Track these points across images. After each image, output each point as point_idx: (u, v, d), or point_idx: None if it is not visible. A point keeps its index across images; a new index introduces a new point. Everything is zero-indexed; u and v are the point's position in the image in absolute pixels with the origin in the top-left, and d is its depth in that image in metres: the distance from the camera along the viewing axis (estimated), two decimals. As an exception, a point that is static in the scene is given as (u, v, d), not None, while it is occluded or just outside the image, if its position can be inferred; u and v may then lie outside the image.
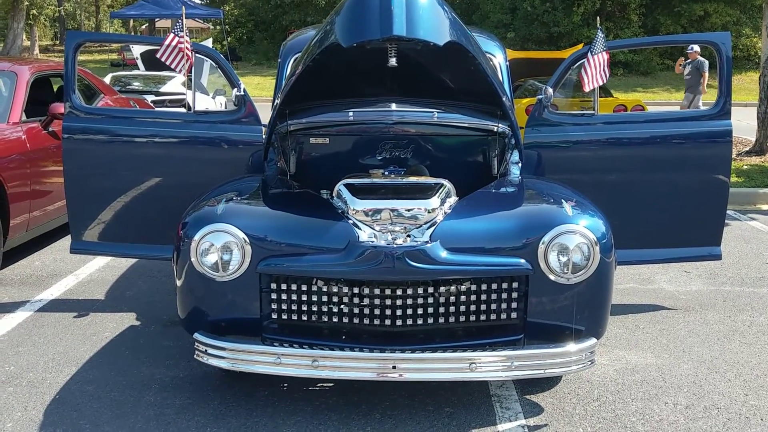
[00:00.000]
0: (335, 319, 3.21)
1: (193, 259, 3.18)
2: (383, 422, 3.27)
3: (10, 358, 3.97)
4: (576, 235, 3.13)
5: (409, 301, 3.16)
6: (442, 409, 3.38)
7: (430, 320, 3.19)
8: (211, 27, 40.59)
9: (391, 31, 3.11)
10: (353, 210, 3.23)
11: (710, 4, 28.40)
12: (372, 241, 3.10)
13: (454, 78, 3.87)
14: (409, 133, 4.16)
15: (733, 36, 25.32)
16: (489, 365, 3.07)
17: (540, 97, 4.38)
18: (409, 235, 3.14)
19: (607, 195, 4.17)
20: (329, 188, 3.55)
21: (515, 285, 3.18)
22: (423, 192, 3.34)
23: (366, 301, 3.17)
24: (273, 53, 30.79)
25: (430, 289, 3.17)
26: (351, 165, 4.07)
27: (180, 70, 4.75)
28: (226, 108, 11.63)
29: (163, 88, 12.00)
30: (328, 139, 4.19)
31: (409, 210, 3.20)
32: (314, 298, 3.20)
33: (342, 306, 3.19)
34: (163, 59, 4.75)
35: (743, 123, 13.10)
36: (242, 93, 4.39)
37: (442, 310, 3.19)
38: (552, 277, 3.14)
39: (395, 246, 3.05)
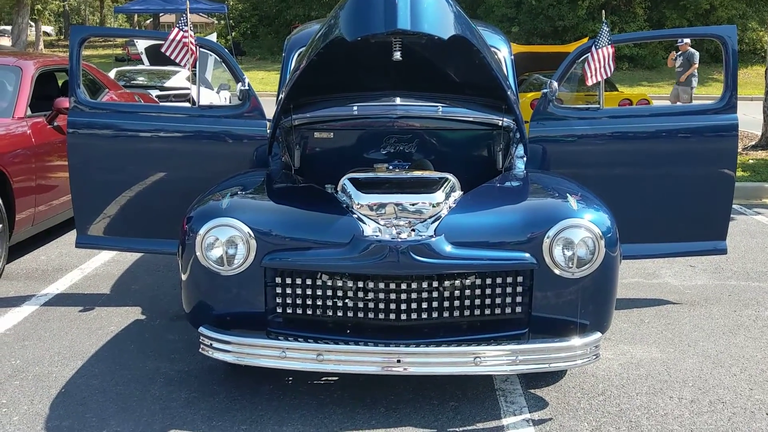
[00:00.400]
0: (340, 314, 3.21)
1: (198, 254, 3.18)
2: (388, 416, 3.28)
3: (16, 351, 3.98)
4: (581, 230, 3.12)
5: (414, 296, 3.16)
6: (447, 403, 3.39)
7: (435, 314, 3.19)
8: (216, 22, 40.60)
9: (396, 25, 3.10)
10: (358, 204, 3.23)
11: (716, -3, 28.29)
12: (376, 236, 3.10)
13: (459, 72, 3.86)
14: (414, 127, 4.15)
15: (739, 30, 25.23)
16: (493, 359, 3.08)
17: (545, 91, 4.36)
18: (413, 230, 3.13)
19: (612, 189, 4.16)
20: (334, 183, 3.55)
21: (520, 279, 3.18)
22: (427, 186, 3.33)
23: (371, 295, 3.18)
24: (277, 48, 30.76)
25: (435, 284, 3.17)
26: (355, 159, 4.07)
27: (185, 65, 4.75)
28: (230, 103, 11.64)
29: (168, 83, 12.01)
30: (332, 134, 4.19)
31: (413, 204, 3.19)
32: (319, 292, 3.20)
33: (346, 300, 3.20)
34: (167, 54, 4.75)
35: (749, 117, 13.03)
36: (247, 87, 4.39)
37: (446, 304, 3.19)
38: (557, 271, 3.13)
39: (400, 240, 3.05)
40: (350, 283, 3.17)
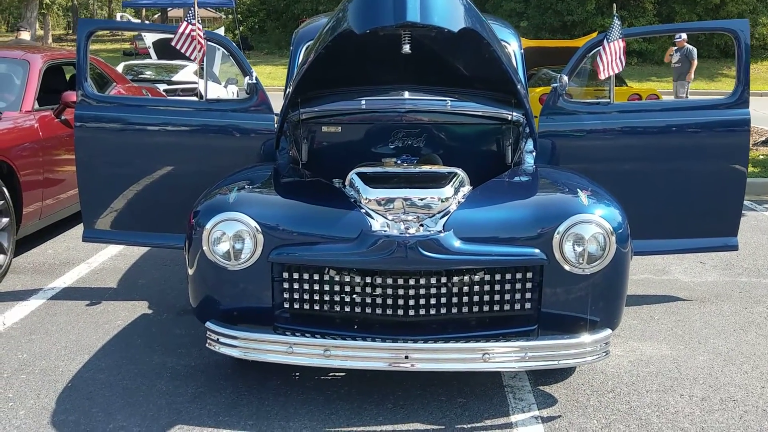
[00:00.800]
0: (347, 309, 3.19)
1: (204, 248, 3.16)
2: (395, 412, 3.26)
3: (23, 345, 3.98)
4: (592, 225, 3.09)
5: (422, 291, 3.14)
6: (455, 400, 3.36)
7: (443, 310, 3.17)
8: (223, 16, 40.55)
9: (405, 18, 3.07)
10: (366, 199, 3.20)
11: (726, -8, 28.10)
12: (384, 231, 3.07)
13: (469, 65, 3.82)
14: (422, 121, 4.12)
15: (749, 24, 24.99)
16: (502, 356, 3.05)
17: (555, 85, 4.32)
18: (422, 225, 3.11)
19: (622, 185, 4.11)
20: (341, 177, 3.52)
21: (529, 275, 3.15)
22: (436, 181, 3.30)
23: (378, 290, 3.15)
24: (285, 42, 30.73)
25: (443, 279, 3.15)
26: (363, 154, 4.04)
27: (194, 58, 4.73)
28: (237, 97, 11.62)
29: (176, 77, 12.00)
30: (340, 128, 4.17)
31: (422, 199, 3.17)
32: (326, 287, 3.18)
33: (354, 295, 3.17)
34: (177, 47, 4.73)
35: (759, 113, 12.93)
36: (254, 81, 4.37)
37: (455, 300, 3.16)
38: (567, 267, 3.10)
39: (408, 235, 3.02)
40: (358, 279, 3.15)
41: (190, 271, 3.32)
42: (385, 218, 3.14)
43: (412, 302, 3.14)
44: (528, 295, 3.17)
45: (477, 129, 4.20)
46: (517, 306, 3.18)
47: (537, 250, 3.09)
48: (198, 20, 4.58)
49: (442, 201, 3.17)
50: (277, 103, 4.02)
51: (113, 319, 4.38)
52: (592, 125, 4.35)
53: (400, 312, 3.15)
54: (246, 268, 3.15)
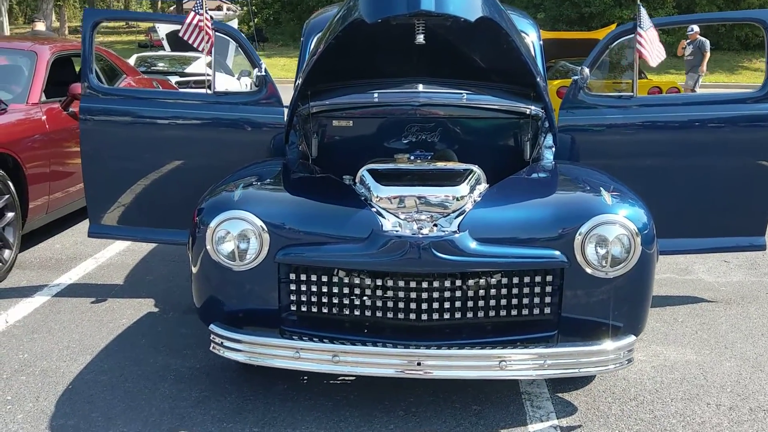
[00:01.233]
0: (357, 312, 3.04)
1: (208, 247, 3.03)
2: (407, 420, 3.11)
3: (25, 344, 3.87)
4: (616, 226, 2.92)
5: (436, 295, 2.98)
6: (470, 407, 3.21)
7: (458, 315, 3.01)
8: (239, 8, 40.50)
9: (419, 6, 2.90)
10: (377, 197, 3.05)
11: (747, -18, 27.62)
12: (396, 231, 2.92)
13: (486, 57, 3.66)
14: (437, 115, 3.97)
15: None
16: (520, 363, 2.89)
17: (576, 78, 4.15)
18: (435, 225, 2.95)
19: (645, 181, 3.95)
20: (353, 173, 3.37)
21: (549, 278, 2.99)
22: (451, 179, 3.15)
23: (390, 293, 3.00)
24: (299, 34, 30.55)
25: (458, 282, 2.99)
26: (375, 149, 3.90)
27: (202, 50, 4.60)
28: (250, 89, 11.49)
29: (188, 69, 11.88)
30: (351, 122, 4.02)
31: (436, 198, 3.01)
32: (335, 289, 3.03)
33: (364, 298, 3.02)
34: (185, 38, 4.60)
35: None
36: (263, 73, 4.23)
37: (470, 304, 3.00)
38: (589, 270, 2.94)
39: (421, 236, 2.87)
40: (368, 281, 3.00)
41: (194, 271, 3.18)
42: (397, 217, 2.99)
43: (425, 306, 2.98)
44: (547, 300, 3.01)
45: (494, 123, 4.03)
46: (536, 311, 3.02)
47: (557, 252, 2.93)
48: (206, 9, 4.45)
49: (457, 199, 3.02)
50: (289, 95, 3.87)
51: (118, 317, 4.27)
52: (614, 119, 4.18)
53: (413, 316, 2.99)
54: (251, 269, 3.01)
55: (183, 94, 5.31)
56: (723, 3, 27.93)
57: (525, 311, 3.01)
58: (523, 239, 2.96)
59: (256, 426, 3.07)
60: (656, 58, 4.08)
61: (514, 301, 3.01)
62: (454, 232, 2.91)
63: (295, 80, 4.07)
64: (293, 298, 3.07)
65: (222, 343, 3.04)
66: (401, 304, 3.00)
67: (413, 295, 2.98)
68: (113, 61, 7.10)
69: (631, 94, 4.27)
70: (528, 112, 3.86)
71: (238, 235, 2.98)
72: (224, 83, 11.78)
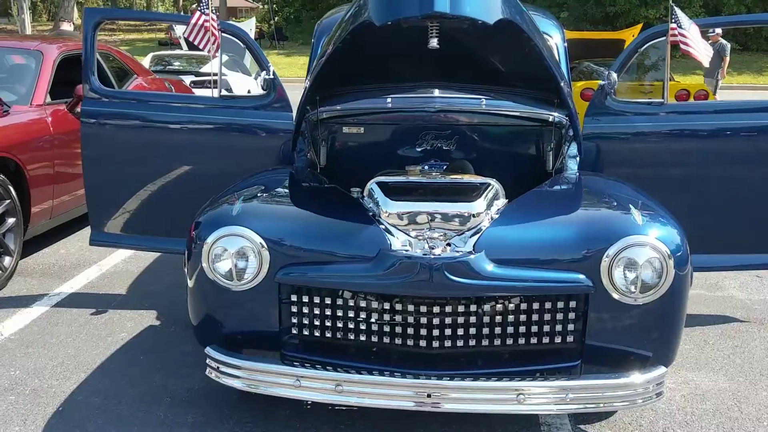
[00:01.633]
0: (363, 338, 2.81)
1: (204, 265, 2.82)
2: (416, 453, 2.89)
3: (18, 360, 3.69)
4: (646, 248, 2.67)
5: (448, 320, 2.74)
6: (484, 440, 2.98)
7: (472, 342, 2.77)
8: (260, 6, 40.45)
9: (432, 8, 2.67)
10: (386, 213, 2.83)
11: (777, -18, 27.02)
12: (406, 250, 2.69)
13: (506, 61, 3.41)
14: (454, 122, 3.74)
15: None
16: (540, 397, 2.65)
17: (603, 83, 3.89)
18: (449, 244, 2.72)
19: (676, 194, 3.69)
20: (363, 184, 3.14)
21: (573, 304, 2.74)
22: (467, 193, 2.91)
23: (399, 318, 2.77)
24: (320, 33, 30.37)
25: (473, 307, 2.75)
26: (387, 157, 3.68)
27: (209, 51, 4.40)
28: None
29: (204, 69, 11.72)
30: (362, 129, 3.80)
31: (449, 214, 2.78)
32: (340, 312, 2.81)
33: (371, 323, 2.79)
34: (190, 39, 4.42)
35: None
36: (272, 76, 4.02)
37: (486, 330, 2.76)
38: (616, 295, 2.69)
39: (433, 257, 2.63)
40: (375, 304, 2.77)
41: (190, 287, 2.98)
42: (408, 235, 2.77)
43: (436, 332, 2.75)
44: (570, 327, 2.76)
45: (514, 131, 3.79)
46: (558, 339, 2.77)
47: (582, 276, 2.68)
48: (212, 10, 4.25)
49: (473, 216, 2.78)
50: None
51: (117, 330, 4.08)
52: (644, 128, 3.92)
53: (423, 343, 2.76)
54: (250, 289, 2.79)
55: (188, 98, 5.12)
56: (751, 2, 27.35)
57: (546, 339, 2.77)
58: (545, 261, 2.71)
59: (254, 457, 2.86)
60: (706, 57, 3.81)
61: (534, 328, 2.76)
62: (469, 252, 2.67)
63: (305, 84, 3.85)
64: (295, 320, 2.85)
65: (218, 368, 2.84)
66: (411, 330, 2.77)
67: (424, 320, 2.75)
68: (124, 61, 6.94)
69: (662, 100, 4.01)
70: (551, 120, 3.62)
71: (235, 253, 2.77)
72: (241, 83, 11.63)
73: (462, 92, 3.67)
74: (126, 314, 4.31)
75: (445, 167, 3.39)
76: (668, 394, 3.37)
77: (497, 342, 2.77)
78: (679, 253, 2.71)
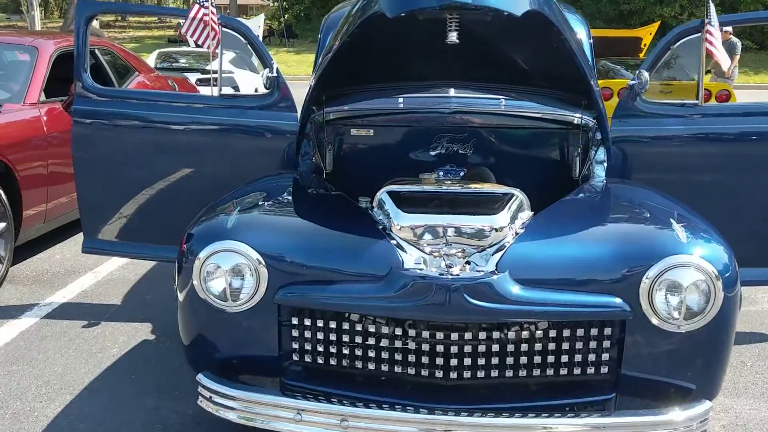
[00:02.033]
0: (372, 366, 2.51)
1: (195, 283, 2.53)
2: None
3: (1, 379, 3.43)
4: (691, 269, 2.36)
5: (468, 348, 2.44)
6: (505, 478, 2.68)
7: (495, 373, 2.47)
8: (270, 4, 40.25)
9: None
10: (398, 226, 2.53)
11: (795, -20, 26.54)
12: (420, 269, 2.40)
13: (531, 58, 3.12)
14: (471, 124, 3.45)
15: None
16: (570, 435, 2.35)
17: (632, 83, 3.59)
18: (468, 262, 2.43)
19: (712, 204, 3.38)
20: (372, 190, 2.85)
21: (608, 331, 2.44)
22: (488, 204, 2.61)
23: (412, 345, 2.47)
24: (329, 30, 30.07)
25: (496, 333, 2.45)
26: (399, 162, 3.40)
27: (208, 47, 4.13)
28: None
29: (210, 66, 11.45)
30: (372, 131, 3.51)
31: (469, 228, 2.49)
32: (346, 337, 2.51)
33: (381, 350, 2.50)
34: (188, 34, 4.16)
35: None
36: (275, 74, 3.75)
37: (510, 360, 2.46)
38: (655, 321, 2.39)
39: (450, 277, 2.34)
40: (386, 328, 2.48)
41: (180, 306, 2.70)
42: (422, 252, 2.47)
43: (454, 361, 2.45)
44: (605, 356, 2.46)
45: (537, 134, 3.50)
46: (591, 369, 2.47)
47: (618, 300, 2.38)
48: (212, 3, 3.97)
49: (496, 231, 2.49)
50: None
51: (109, 345, 3.81)
52: (677, 131, 3.62)
53: (439, 374, 2.46)
54: (246, 311, 2.51)
55: (186, 97, 4.86)
56: (768, 0, 26.90)
57: (577, 369, 2.47)
58: (576, 282, 2.41)
59: (250, 496, 2.58)
60: (725, 60, 3.55)
61: (564, 358, 2.46)
62: (492, 272, 2.38)
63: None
64: (296, 345, 2.56)
65: (211, 397, 2.55)
66: (425, 358, 2.47)
67: (440, 347, 2.45)
68: (125, 57, 6.68)
69: (696, 101, 3.70)
70: (578, 122, 3.32)
71: (230, 271, 2.48)
72: (249, 81, 11.37)
73: (480, 92, 3.38)
74: (119, 327, 4.05)
75: (462, 174, 3.10)
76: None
77: (522, 373, 2.47)
78: (727, 274, 2.41)
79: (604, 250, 2.47)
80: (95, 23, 10.61)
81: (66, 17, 27.43)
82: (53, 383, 3.40)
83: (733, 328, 2.50)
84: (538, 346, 2.46)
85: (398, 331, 2.47)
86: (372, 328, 2.49)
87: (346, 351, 2.53)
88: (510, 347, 2.46)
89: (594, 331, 2.44)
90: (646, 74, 3.56)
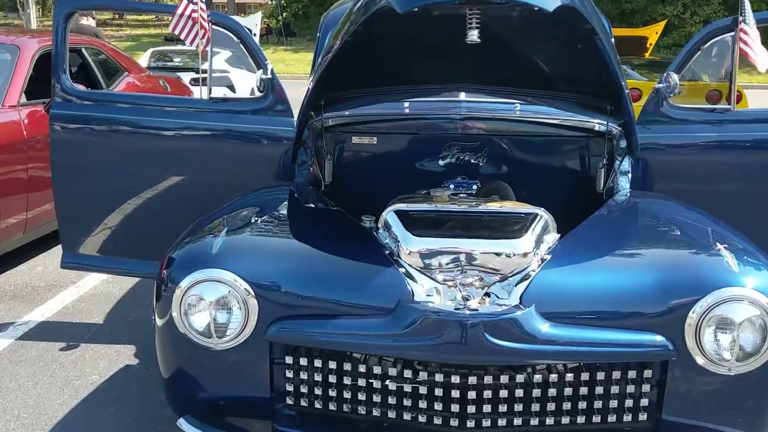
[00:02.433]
0: (376, 412, 2.20)
1: (174, 315, 2.23)
2: None
3: (-34, 411, 3.12)
4: (744, 304, 2.05)
5: (487, 393, 2.13)
6: None
7: (518, 421, 2.15)
8: (269, 2, 39.97)
9: None
10: (406, 251, 2.22)
11: (800, -21, 26.25)
12: (432, 302, 2.09)
13: (556, 58, 2.82)
14: (484, 132, 3.14)
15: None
16: (605, 494, 2.04)
17: (660, 86, 3.28)
18: (488, 294, 2.12)
19: (748, 217, 3.09)
20: (376, 206, 2.54)
21: (648, 373, 2.13)
22: (509, 226, 2.31)
23: (423, 389, 2.16)
24: (327, 29, 29.80)
25: (520, 377, 2.14)
26: (404, 174, 3.10)
27: (197, 46, 3.82)
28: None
29: (205, 66, 11.14)
30: (375, 139, 3.21)
31: (488, 254, 2.18)
32: (347, 379, 2.20)
33: (387, 393, 2.19)
34: (175, 32, 3.84)
35: None
36: (269, 76, 3.44)
37: (535, 407, 2.15)
38: (701, 360, 2.08)
39: (468, 312, 2.03)
40: (393, 370, 2.17)
41: (158, 335, 2.39)
42: (434, 281, 2.16)
43: (471, 408, 2.13)
44: (644, 401, 2.15)
45: (556, 143, 3.20)
46: (628, 416, 2.16)
47: (660, 338, 2.07)
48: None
49: (520, 257, 2.17)
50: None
51: (89, 371, 3.50)
52: (709, 138, 3.32)
53: (454, 422, 2.14)
54: (234, 348, 2.20)
55: (174, 100, 4.55)
56: (773, -2, 26.61)
57: (612, 417, 2.16)
58: (612, 317, 2.11)
59: None
60: (764, 62, 3.24)
61: (598, 404, 2.15)
62: (516, 306, 2.07)
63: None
64: (290, 387, 2.25)
65: (193, 446, 2.24)
66: (438, 404, 2.15)
67: (455, 392, 2.13)
68: (113, 57, 6.37)
69: (728, 106, 3.39)
70: (602, 129, 3.01)
71: (214, 303, 2.17)
72: (247, 81, 11.05)
73: (494, 96, 3.08)
74: (100, 350, 3.74)
75: (475, 187, 2.78)
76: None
77: (550, 421, 2.16)
78: (786, 308, 2.10)
79: (643, 279, 2.16)
80: (92, 22, 10.32)
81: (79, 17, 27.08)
82: (24, 417, 3.08)
83: (789, 370, 2.19)
84: (567, 391, 2.15)
85: (407, 373, 2.16)
86: (377, 369, 2.17)
87: (347, 394, 2.21)
88: (536, 392, 2.14)
89: (632, 374, 2.13)
90: (675, 76, 3.24)
